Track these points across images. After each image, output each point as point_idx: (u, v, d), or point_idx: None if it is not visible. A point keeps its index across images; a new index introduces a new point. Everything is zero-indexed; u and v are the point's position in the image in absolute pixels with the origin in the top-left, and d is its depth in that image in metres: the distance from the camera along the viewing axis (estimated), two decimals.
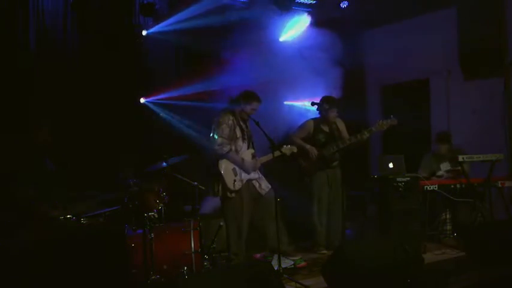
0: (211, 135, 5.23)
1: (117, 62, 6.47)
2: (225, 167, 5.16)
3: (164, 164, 5.16)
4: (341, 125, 6.13)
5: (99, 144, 6.05)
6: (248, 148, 5.36)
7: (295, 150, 5.55)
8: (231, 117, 5.23)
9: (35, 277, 3.69)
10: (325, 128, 6.03)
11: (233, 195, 5.16)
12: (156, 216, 4.78)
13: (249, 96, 5.24)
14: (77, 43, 6.16)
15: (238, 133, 5.25)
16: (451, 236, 6.23)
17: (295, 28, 7.32)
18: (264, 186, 5.41)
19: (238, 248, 5.21)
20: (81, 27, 6.17)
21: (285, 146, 5.43)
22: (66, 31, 6.08)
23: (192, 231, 4.68)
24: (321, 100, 6.01)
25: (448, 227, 6.26)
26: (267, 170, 5.69)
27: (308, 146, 5.90)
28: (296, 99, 7.34)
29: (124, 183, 4.84)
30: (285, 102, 7.33)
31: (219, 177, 5.14)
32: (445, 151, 6.57)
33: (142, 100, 6.70)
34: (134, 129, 6.30)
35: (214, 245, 4.89)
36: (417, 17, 8.06)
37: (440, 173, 6.48)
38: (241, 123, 5.31)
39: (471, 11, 7.24)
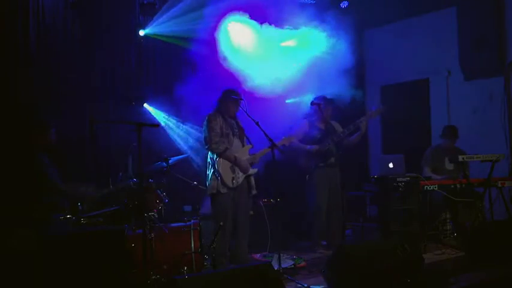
0: (203, 136, 5.28)
1: (117, 62, 6.47)
2: (223, 165, 5.18)
3: (164, 164, 5.16)
4: (337, 126, 6.21)
5: (99, 144, 6.05)
6: (243, 145, 5.38)
7: (293, 139, 5.64)
8: (219, 116, 5.29)
9: (35, 277, 3.68)
10: (321, 126, 6.11)
11: (225, 190, 5.14)
12: (156, 216, 4.79)
13: (227, 92, 5.32)
14: (77, 42, 6.15)
15: (228, 130, 5.29)
16: (451, 236, 6.23)
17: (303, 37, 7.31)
18: (253, 185, 5.42)
19: (224, 247, 5.18)
20: (81, 27, 6.16)
21: (284, 137, 5.49)
22: (67, 31, 6.07)
23: (192, 231, 4.68)
24: (315, 99, 6.09)
25: (448, 227, 6.26)
26: (266, 170, 5.70)
27: (308, 146, 5.94)
28: (296, 99, 7.33)
29: (124, 183, 4.85)
30: (287, 101, 7.33)
31: (218, 174, 5.15)
32: (450, 146, 6.59)
33: (145, 105, 6.70)
34: (133, 129, 6.28)
35: (214, 245, 4.89)
36: (417, 17, 8.07)
37: (449, 167, 6.47)
38: (230, 120, 5.35)
39: (471, 11, 7.25)
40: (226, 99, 5.30)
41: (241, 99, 5.23)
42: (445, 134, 6.68)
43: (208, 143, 5.19)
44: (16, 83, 5.51)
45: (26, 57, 5.71)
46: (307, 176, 6.00)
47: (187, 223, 4.81)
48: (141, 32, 6.63)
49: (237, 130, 5.37)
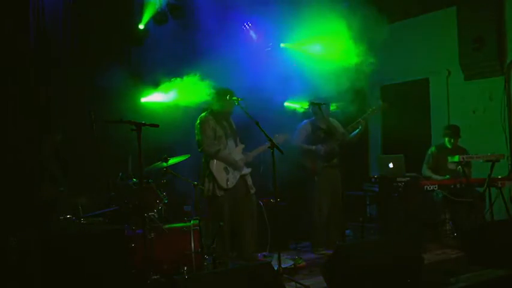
0: (196, 139, 5.27)
1: (118, 61, 6.45)
2: (217, 167, 5.19)
3: (164, 164, 5.15)
4: (336, 123, 6.22)
5: (99, 145, 6.03)
6: (236, 145, 5.38)
7: (287, 137, 5.63)
8: (211, 117, 5.27)
9: (35, 277, 3.69)
10: (322, 126, 6.12)
11: (222, 193, 5.16)
12: (156, 216, 4.79)
13: (221, 92, 5.25)
14: (77, 42, 6.14)
15: (220, 132, 5.28)
16: (451, 236, 6.23)
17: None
18: (251, 184, 5.41)
19: (223, 247, 5.17)
20: (81, 26, 6.15)
21: (276, 135, 5.35)
22: (67, 30, 6.06)
23: (192, 231, 4.67)
24: (312, 100, 6.13)
25: (448, 227, 6.26)
26: (266, 171, 5.70)
27: (314, 147, 5.95)
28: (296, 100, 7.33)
29: (124, 184, 4.84)
30: (285, 104, 7.33)
31: (212, 176, 5.16)
32: (453, 145, 6.57)
33: (142, 100, 6.65)
34: (133, 128, 6.25)
35: (214, 245, 4.89)
36: (417, 17, 8.06)
37: (451, 166, 6.46)
38: (223, 122, 5.34)
39: (471, 11, 7.25)
40: (220, 99, 5.25)
41: (239, 99, 5.18)
42: (447, 133, 6.66)
43: (201, 145, 5.21)
44: (15, 83, 5.51)
45: (26, 57, 5.70)
46: (315, 178, 5.98)
47: (187, 223, 4.81)
48: (141, 26, 6.61)
49: (229, 131, 5.37)
